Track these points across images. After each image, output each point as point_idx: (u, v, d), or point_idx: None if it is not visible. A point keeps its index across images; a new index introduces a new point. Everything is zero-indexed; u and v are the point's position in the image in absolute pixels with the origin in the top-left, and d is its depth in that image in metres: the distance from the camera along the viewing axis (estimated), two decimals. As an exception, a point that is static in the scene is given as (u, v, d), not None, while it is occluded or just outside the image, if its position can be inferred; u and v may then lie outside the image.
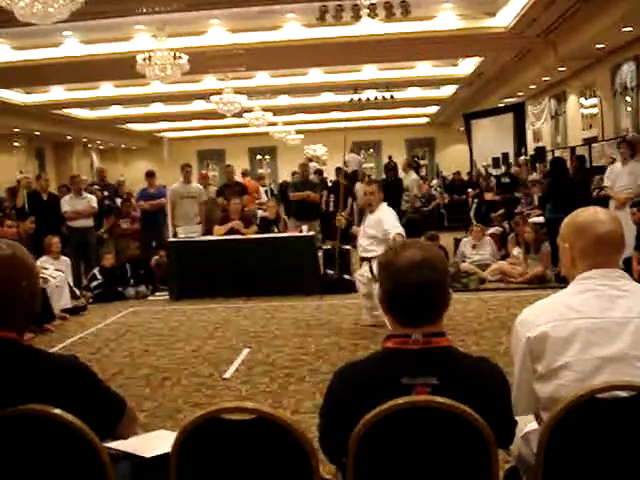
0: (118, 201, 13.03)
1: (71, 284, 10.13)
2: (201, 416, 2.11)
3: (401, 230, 7.37)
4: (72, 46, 14.57)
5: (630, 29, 13.32)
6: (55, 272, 9.64)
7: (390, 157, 24.02)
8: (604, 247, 2.39)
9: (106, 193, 13.10)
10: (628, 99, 15.44)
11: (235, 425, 2.11)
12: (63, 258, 10.37)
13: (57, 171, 27.36)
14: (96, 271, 10.95)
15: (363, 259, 7.90)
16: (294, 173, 17.48)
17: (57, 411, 2.13)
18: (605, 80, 16.63)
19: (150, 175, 12.90)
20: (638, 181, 10.09)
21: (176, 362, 6.85)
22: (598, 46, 14.94)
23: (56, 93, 20.21)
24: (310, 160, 22.08)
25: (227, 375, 6.26)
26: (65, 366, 2.38)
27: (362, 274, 7.88)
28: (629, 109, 15.43)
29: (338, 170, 16.26)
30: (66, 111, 23.07)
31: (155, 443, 2.53)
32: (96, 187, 13.35)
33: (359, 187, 14.89)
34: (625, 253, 7.84)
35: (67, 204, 11.40)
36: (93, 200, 11.70)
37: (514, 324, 2.45)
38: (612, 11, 12.29)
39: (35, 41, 14.06)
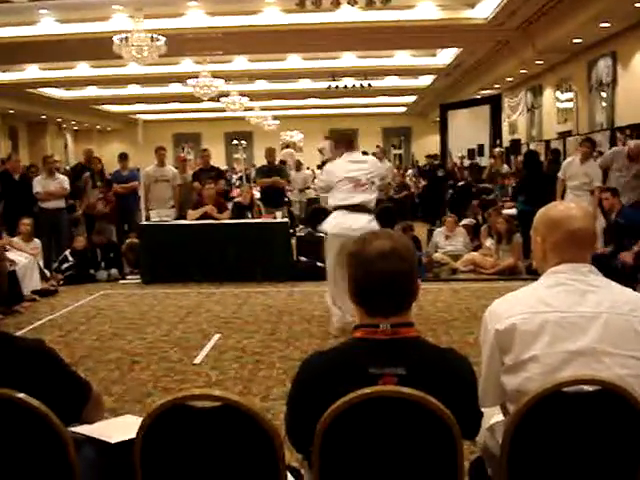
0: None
1: (41, 266, 10.03)
2: (167, 402, 2.09)
3: None
4: (48, 25, 14.40)
5: (607, 25, 13.42)
6: (25, 253, 9.58)
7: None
8: (576, 242, 2.40)
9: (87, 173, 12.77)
10: (603, 94, 15.55)
11: (201, 412, 2.09)
12: (35, 240, 10.27)
13: (30, 151, 27.05)
14: (67, 253, 10.83)
15: None
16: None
17: (21, 395, 2.11)
18: (581, 75, 16.73)
19: (123, 158, 12.79)
20: (594, 183, 9.96)
21: (146, 346, 6.82)
22: (575, 41, 15.03)
23: (31, 72, 19.95)
24: (287, 146, 22.02)
25: (197, 360, 6.23)
26: (30, 349, 2.36)
27: None
28: (604, 104, 15.55)
29: None
30: (41, 90, 22.81)
31: (121, 428, 2.52)
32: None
33: None
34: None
35: (39, 185, 11.26)
36: (65, 181, 11.56)
37: (484, 316, 2.46)
38: (590, 6, 12.36)
39: (11, 19, 13.88)
